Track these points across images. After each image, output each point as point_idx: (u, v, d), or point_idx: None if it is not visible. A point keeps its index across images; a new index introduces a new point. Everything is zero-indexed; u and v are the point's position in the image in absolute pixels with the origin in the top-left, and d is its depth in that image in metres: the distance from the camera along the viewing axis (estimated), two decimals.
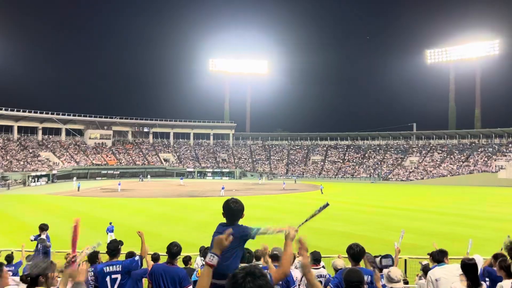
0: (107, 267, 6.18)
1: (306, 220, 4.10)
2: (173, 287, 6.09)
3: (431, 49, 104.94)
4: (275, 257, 6.58)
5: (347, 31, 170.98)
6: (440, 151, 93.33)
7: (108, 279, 6.07)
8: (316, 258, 7.43)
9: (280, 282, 5.96)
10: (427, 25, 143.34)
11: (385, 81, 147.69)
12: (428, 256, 9.69)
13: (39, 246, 11.04)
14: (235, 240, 3.70)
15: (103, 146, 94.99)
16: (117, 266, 6.18)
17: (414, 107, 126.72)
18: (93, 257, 7.35)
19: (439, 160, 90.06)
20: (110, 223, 21.73)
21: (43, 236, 11.40)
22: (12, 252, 13.06)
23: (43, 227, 11.65)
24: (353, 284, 4.09)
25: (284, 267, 3.62)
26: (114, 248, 6.43)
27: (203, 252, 7.58)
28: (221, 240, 3.13)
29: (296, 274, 6.88)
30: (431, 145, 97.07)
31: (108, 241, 20.49)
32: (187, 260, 8.93)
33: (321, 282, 6.29)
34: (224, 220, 4.05)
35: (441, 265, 6.57)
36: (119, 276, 6.07)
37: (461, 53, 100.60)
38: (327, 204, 4.17)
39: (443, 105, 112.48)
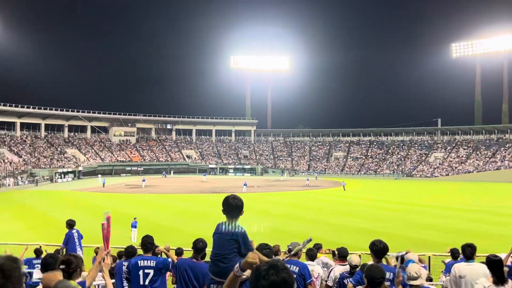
0: (142, 261, 6.36)
1: (290, 254, 4.12)
2: (196, 282, 6.24)
3: (457, 43, 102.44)
4: (289, 251, 6.65)
5: (370, 25, 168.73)
6: (466, 147, 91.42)
7: (141, 272, 6.24)
8: (343, 255, 7.47)
9: (295, 276, 6.04)
10: (452, 18, 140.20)
11: (409, 76, 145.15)
12: (449, 253, 9.62)
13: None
14: (234, 242, 3.79)
15: (127, 143, 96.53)
16: (151, 261, 6.35)
17: (439, 102, 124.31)
18: (131, 253, 7.55)
19: (464, 156, 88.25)
20: (134, 219, 22.11)
21: (73, 232, 11.71)
22: (40, 246, 13.49)
23: (71, 223, 11.97)
24: (376, 280, 4.10)
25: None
26: (150, 242, 6.60)
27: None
28: (251, 262, 2.97)
29: (318, 270, 6.91)
30: (456, 140, 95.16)
31: (132, 236, 20.76)
32: (204, 256, 9.03)
33: (348, 278, 6.31)
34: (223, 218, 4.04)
35: (469, 262, 6.37)
36: (151, 272, 6.24)
37: (487, 46, 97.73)
38: (310, 239, 4.15)
39: (469, 100, 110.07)
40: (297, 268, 6.16)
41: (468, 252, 6.47)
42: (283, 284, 2.21)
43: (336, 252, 7.56)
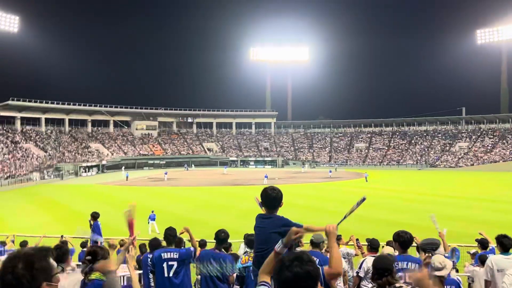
0: (165, 253, 6.41)
1: (345, 217, 3.98)
2: (220, 273, 6.29)
3: (482, 29, 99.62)
4: (311, 243, 6.61)
5: (391, 13, 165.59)
6: (492, 136, 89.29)
7: (165, 265, 6.30)
8: (374, 246, 7.40)
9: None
10: (477, 4, 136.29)
11: (432, 64, 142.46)
12: (477, 244, 9.40)
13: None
14: (278, 235, 3.70)
15: (149, 136, 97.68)
16: (175, 253, 6.39)
17: (463, 90, 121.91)
18: (154, 245, 7.64)
19: (490, 145, 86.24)
20: (152, 211, 22.30)
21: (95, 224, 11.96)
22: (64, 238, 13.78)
23: (95, 216, 12.22)
24: (380, 271, 4.00)
25: (335, 267, 3.41)
26: (173, 235, 6.65)
27: (247, 239, 7.71)
28: (294, 232, 3.10)
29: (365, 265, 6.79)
30: (481, 129, 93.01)
31: (149, 229, 21.01)
32: (227, 247, 9.09)
33: None
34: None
35: (507, 254, 6.09)
36: (175, 263, 6.29)
37: None
38: (364, 198, 4.01)
39: (494, 87, 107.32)
40: (317, 259, 6.10)
41: (507, 243, 6.18)
42: (307, 277, 2.20)
43: (369, 244, 7.48)
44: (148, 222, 21.66)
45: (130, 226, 4.46)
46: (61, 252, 4.27)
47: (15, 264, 1.99)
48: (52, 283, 2.09)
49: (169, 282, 6.27)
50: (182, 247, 7.12)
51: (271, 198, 3.77)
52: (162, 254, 6.41)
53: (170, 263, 6.29)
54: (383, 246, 7.39)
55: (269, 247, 3.64)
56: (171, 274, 6.27)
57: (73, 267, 10.30)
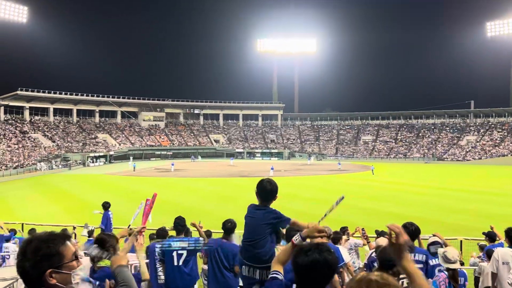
0: (175, 243, 6.50)
1: (325, 215, 4.04)
2: (226, 262, 6.36)
3: (492, 21, 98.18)
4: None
5: (399, 5, 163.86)
6: (500, 130, 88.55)
7: (174, 254, 6.38)
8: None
9: None
10: None
11: (441, 56, 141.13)
12: (484, 236, 9.38)
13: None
14: (268, 227, 3.72)
15: (156, 127, 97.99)
16: (184, 242, 6.47)
17: (472, 83, 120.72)
18: (161, 235, 7.72)
19: (498, 139, 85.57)
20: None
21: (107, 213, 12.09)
22: (74, 228, 13.96)
23: (106, 205, 12.38)
24: (387, 262, 4.01)
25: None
26: (182, 224, 6.72)
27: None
28: (316, 230, 3.17)
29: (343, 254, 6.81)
30: (490, 123, 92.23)
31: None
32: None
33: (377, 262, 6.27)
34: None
35: None
36: (185, 253, 6.36)
37: None
38: (343, 197, 4.07)
39: (504, 81, 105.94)
40: None
41: None
42: (325, 264, 2.23)
43: (378, 236, 7.50)
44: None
45: (146, 215, 4.52)
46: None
47: (25, 249, 1.98)
48: (61, 270, 2.00)
49: (179, 271, 6.35)
50: (190, 237, 7.20)
51: (266, 190, 3.77)
52: (172, 243, 6.49)
53: (180, 252, 6.37)
54: (375, 238, 7.39)
55: (257, 238, 3.67)
56: (180, 263, 6.35)
57: (81, 255, 10.42)
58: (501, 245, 6.26)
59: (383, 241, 5.85)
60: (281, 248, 3.85)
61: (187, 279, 6.37)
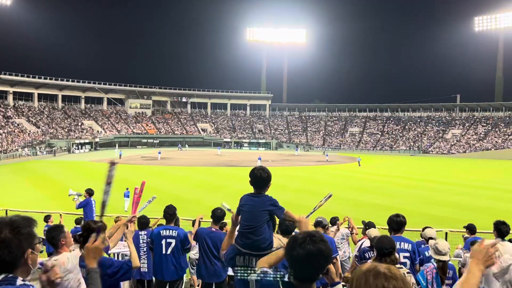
0: (164, 231, 6.45)
1: (314, 210, 4.09)
2: (215, 250, 6.35)
3: (480, 16, 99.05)
4: (318, 224, 6.67)
5: None
6: (485, 124, 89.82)
7: (163, 242, 6.33)
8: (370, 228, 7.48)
9: None
10: None
11: (428, 50, 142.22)
12: (465, 230, 9.54)
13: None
14: (266, 213, 3.71)
15: (143, 115, 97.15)
16: (173, 231, 6.43)
17: (458, 77, 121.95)
18: (144, 223, 7.66)
19: (483, 133, 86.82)
20: (127, 189, 22.17)
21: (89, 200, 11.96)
22: (61, 216, 13.79)
23: (90, 192, 12.20)
24: (386, 250, 4.07)
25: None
26: (171, 213, 6.66)
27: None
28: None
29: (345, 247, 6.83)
30: (475, 117, 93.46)
31: (126, 206, 21.31)
32: (222, 226, 9.12)
33: (369, 252, 6.30)
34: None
35: (502, 241, 6.00)
36: (173, 242, 6.32)
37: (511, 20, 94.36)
38: (331, 195, 4.12)
39: (489, 76, 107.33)
40: None
41: (504, 231, 6.24)
42: (319, 254, 2.23)
43: (366, 226, 7.55)
44: (124, 199, 21.70)
45: (136, 204, 4.45)
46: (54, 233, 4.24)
47: (0, 230, 1.96)
48: (34, 251, 2.09)
49: (166, 259, 6.31)
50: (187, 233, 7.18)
51: (261, 178, 3.73)
52: (161, 231, 6.44)
53: (168, 240, 6.32)
54: (366, 228, 7.46)
55: (256, 225, 3.64)
56: (168, 252, 6.31)
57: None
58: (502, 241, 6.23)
59: (374, 232, 5.88)
60: (278, 237, 3.83)
61: (172, 269, 6.30)
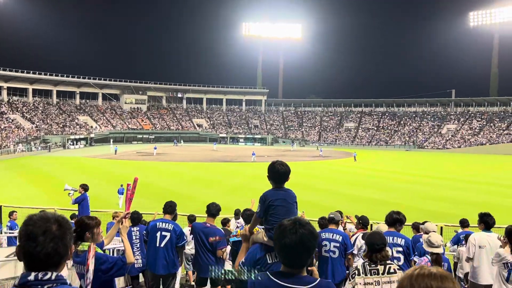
0: (160, 223, 6.44)
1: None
2: (209, 245, 6.33)
3: (475, 11, 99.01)
4: (331, 220, 6.66)
5: None
6: (480, 119, 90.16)
7: (158, 234, 6.31)
8: (364, 223, 7.47)
9: (338, 245, 6.08)
10: None
11: (424, 45, 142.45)
12: (459, 224, 9.62)
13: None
14: (296, 206, 3.73)
15: (139, 110, 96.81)
16: (170, 224, 6.42)
17: (454, 72, 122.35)
18: (136, 219, 7.63)
19: (478, 128, 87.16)
20: (121, 185, 21.75)
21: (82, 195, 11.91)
22: (55, 211, 13.71)
23: (85, 187, 12.13)
24: (377, 246, 4.06)
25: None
26: (170, 205, 6.66)
27: (246, 214, 7.74)
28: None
29: (358, 242, 6.81)
30: (470, 112, 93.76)
31: (120, 203, 21.21)
32: (225, 221, 9.14)
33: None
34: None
35: (488, 232, 6.33)
36: (168, 235, 6.30)
37: (507, 15, 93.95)
38: (303, 212, 4.16)
39: (484, 71, 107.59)
40: (340, 237, 6.24)
41: (491, 223, 6.37)
42: (311, 236, 2.29)
43: (360, 221, 7.53)
44: (119, 196, 21.46)
45: (129, 201, 4.41)
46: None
47: (49, 226, 1.92)
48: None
49: (159, 252, 6.26)
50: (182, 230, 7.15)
51: (281, 172, 3.71)
52: (158, 223, 6.43)
53: (163, 233, 6.29)
54: (360, 223, 7.47)
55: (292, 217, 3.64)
56: (162, 245, 6.26)
57: None
58: (488, 231, 6.37)
59: (383, 227, 5.87)
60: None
61: (164, 264, 6.25)
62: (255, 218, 3.82)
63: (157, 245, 6.26)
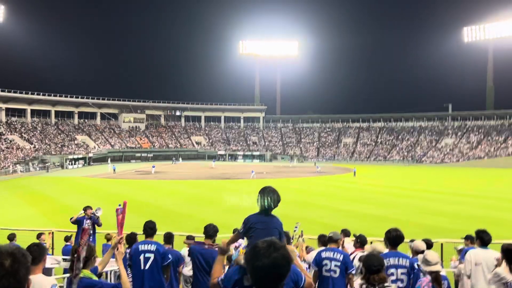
0: (142, 245, 6.24)
1: (293, 237, 4.20)
2: (208, 268, 6.26)
3: (469, 26, 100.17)
4: (330, 239, 6.61)
5: (380, 9, 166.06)
6: (477, 133, 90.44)
7: (141, 257, 6.11)
8: (362, 242, 7.41)
9: (339, 264, 6.04)
10: (465, 0, 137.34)
11: (419, 60, 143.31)
12: (463, 240, 9.48)
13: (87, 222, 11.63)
14: (277, 231, 3.78)
15: (137, 129, 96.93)
16: (152, 245, 6.21)
17: (450, 87, 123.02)
18: (131, 239, 7.54)
19: (475, 141, 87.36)
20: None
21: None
22: (52, 233, 13.64)
23: (87, 209, 12.13)
24: (374, 268, 4.03)
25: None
26: (151, 227, 6.52)
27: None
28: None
29: (356, 262, 6.75)
30: (467, 126, 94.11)
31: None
32: (169, 236, 8.87)
33: None
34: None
35: (485, 249, 6.25)
36: (152, 256, 6.13)
37: (500, 30, 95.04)
38: (298, 224, 4.19)
39: (480, 85, 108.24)
40: (341, 256, 6.17)
41: (487, 239, 6.30)
42: (284, 260, 2.20)
43: (358, 239, 7.46)
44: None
45: (120, 224, 4.38)
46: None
47: (1, 261, 1.82)
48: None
49: (144, 276, 6.09)
50: (171, 246, 7.00)
51: (271, 206, 3.91)
52: (140, 246, 6.26)
53: (147, 255, 6.12)
54: (358, 241, 7.39)
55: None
56: (147, 267, 6.10)
57: (58, 260, 10.14)
58: (486, 248, 6.32)
59: (379, 247, 5.82)
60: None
61: (152, 286, 6.08)
62: (236, 235, 3.88)
63: (142, 268, 6.09)
